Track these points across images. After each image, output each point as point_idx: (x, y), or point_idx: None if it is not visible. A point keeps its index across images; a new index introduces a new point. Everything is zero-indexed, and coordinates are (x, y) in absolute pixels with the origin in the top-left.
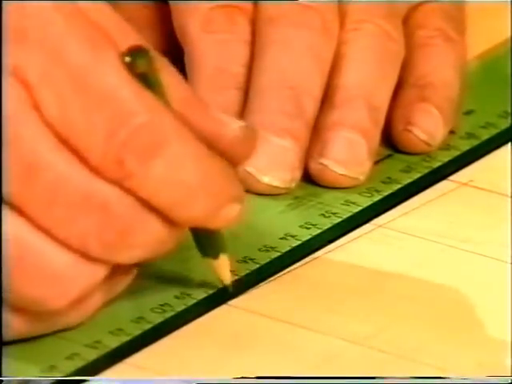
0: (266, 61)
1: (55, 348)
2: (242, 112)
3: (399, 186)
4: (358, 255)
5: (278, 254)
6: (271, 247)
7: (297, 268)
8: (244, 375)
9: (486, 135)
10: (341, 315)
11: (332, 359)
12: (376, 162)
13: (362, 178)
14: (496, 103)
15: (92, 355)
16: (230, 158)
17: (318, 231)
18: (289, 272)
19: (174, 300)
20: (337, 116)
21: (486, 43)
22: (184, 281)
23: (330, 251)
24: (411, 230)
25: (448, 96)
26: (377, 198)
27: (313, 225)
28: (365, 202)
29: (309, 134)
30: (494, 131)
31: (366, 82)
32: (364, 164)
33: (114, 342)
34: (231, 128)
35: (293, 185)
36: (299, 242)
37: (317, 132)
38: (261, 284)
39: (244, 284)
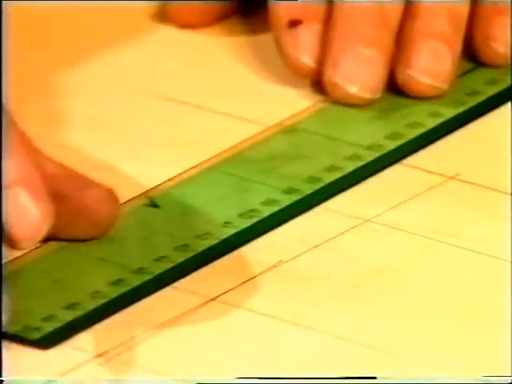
0: None
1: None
2: (326, 24)
3: (484, 98)
4: (345, 250)
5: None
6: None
7: (284, 263)
8: (231, 371)
9: None
10: (328, 310)
11: (319, 354)
12: (460, 75)
13: (446, 87)
14: None
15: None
16: (92, 218)
17: (404, 141)
18: (276, 267)
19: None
20: (420, 25)
21: None
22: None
23: (317, 245)
24: (398, 225)
25: None
26: (461, 109)
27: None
28: (450, 113)
29: (393, 44)
30: None
31: None
32: (449, 72)
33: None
34: (92, 191)
35: (378, 95)
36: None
37: (401, 42)
38: (248, 279)
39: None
